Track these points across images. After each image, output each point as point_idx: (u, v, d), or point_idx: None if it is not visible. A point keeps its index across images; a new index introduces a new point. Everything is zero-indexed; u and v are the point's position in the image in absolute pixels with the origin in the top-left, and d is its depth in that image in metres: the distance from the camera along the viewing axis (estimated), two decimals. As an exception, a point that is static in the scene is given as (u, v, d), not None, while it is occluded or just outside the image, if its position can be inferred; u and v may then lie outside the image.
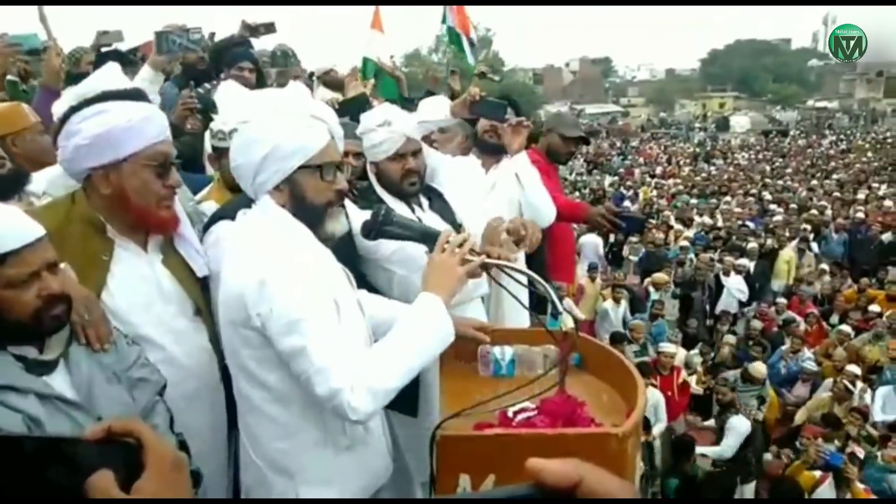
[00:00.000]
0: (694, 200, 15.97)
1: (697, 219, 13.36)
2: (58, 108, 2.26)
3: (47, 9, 3.22)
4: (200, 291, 1.97)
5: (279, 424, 1.64)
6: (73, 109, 1.76)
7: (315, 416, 1.63)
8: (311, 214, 1.65)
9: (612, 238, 11.04)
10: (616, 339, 7.37)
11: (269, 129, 1.60)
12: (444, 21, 6.89)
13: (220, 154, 2.57)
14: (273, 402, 1.63)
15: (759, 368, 6.69)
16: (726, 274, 9.46)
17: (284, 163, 1.60)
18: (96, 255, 1.76)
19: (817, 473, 5.02)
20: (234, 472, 2.06)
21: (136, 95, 1.86)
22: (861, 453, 5.33)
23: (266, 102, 1.73)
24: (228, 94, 1.75)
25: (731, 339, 7.91)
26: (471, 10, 7.02)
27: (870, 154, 25.70)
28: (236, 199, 2.21)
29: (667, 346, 6.96)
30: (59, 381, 1.41)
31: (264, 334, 1.54)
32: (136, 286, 1.81)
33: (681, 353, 7.26)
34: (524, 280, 1.84)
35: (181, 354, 1.85)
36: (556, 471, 0.51)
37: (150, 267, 1.86)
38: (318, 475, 1.67)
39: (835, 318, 8.99)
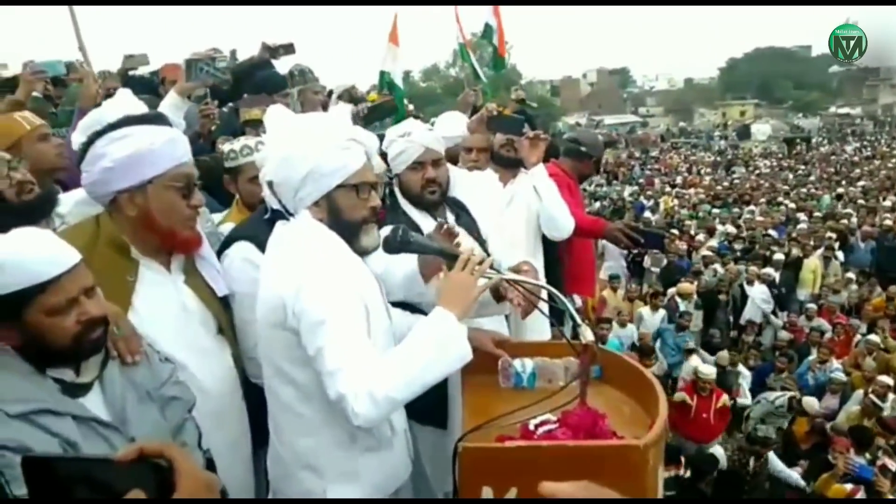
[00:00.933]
0: (716, 210, 15.81)
1: (720, 228, 13.22)
2: (75, 138, 2.32)
3: (85, 36, 3.32)
4: (222, 310, 2.02)
5: (306, 421, 1.72)
6: (98, 134, 1.81)
7: (340, 416, 1.68)
8: (346, 230, 1.75)
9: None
10: (645, 352, 7.30)
11: (312, 149, 1.70)
12: (483, 37, 6.98)
13: (236, 173, 2.62)
14: (301, 399, 1.71)
15: (811, 404, 6.48)
16: (750, 283, 9.34)
17: (324, 181, 1.71)
18: (122, 276, 1.80)
19: (848, 487, 4.91)
20: (257, 489, 2.09)
21: (159, 119, 1.92)
22: (893, 466, 5.21)
23: (310, 125, 1.81)
24: (276, 117, 1.84)
25: (724, 356, 7.60)
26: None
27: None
28: (249, 221, 2.26)
29: (705, 369, 6.60)
30: (94, 403, 1.44)
31: (299, 334, 1.62)
32: (161, 306, 1.85)
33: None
34: (544, 294, 1.86)
35: (205, 373, 1.89)
36: (566, 493, 0.53)
37: (173, 287, 1.90)
38: (344, 473, 1.73)
39: (863, 328, 8.82)
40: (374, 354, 1.62)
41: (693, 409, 6.28)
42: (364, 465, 1.75)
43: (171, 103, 2.76)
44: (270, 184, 1.77)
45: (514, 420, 1.62)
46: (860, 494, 4.86)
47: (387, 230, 1.85)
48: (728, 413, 6.38)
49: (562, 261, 3.54)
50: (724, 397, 6.36)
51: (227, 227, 2.48)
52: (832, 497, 4.82)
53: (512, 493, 1.46)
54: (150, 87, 3.90)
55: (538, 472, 1.50)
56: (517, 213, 3.12)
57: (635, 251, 11.12)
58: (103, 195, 1.84)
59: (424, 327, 1.64)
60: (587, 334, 1.67)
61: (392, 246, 1.82)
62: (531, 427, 1.62)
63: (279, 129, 1.80)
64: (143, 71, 4.90)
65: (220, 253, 2.15)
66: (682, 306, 8.66)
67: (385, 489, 1.83)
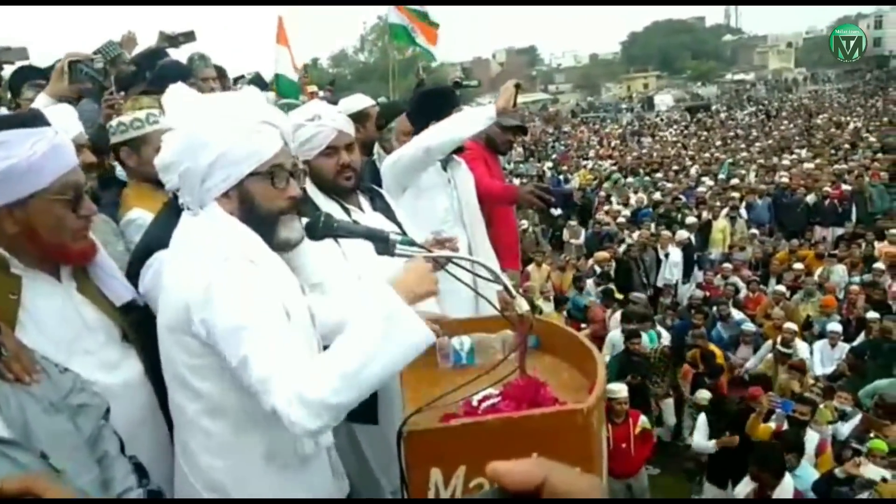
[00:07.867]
0: (630, 179, 16.39)
1: (633, 196, 13.71)
2: None
3: None
4: (122, 316, 1.83)
5: (215, 440, 1.55)
6: None
7: (255, 431, 1.54)
8: (261, 222, 1.59)
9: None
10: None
11: (218, 133, 1.52)
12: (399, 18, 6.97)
13: (140, 144, 2.39)
14: (208, 414, 1.54)
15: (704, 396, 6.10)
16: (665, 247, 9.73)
17: (234, 169, 1.53)
18: (1, 295, 1.57)
19: (772, 425, 5.21)
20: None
21: (36, 120, 1.65)
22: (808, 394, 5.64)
23: (217, 105, 1.62)
24: (177, 97, 1.64)
25: (640, 296, 7.83)
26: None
27: (787, 122, 26.93)
28: (161, 223, 1.98)
29: (615, 388, 5.26)
30: None
31: (205, 342, 1.46)
32: (55, 322, 1.65)
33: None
34: (483, 272, 1.81)
35: (117, 385, 1.72)
36: (519, 472, 0.49)
37: (67, 297, 1.71)
38: (257, 494, 1.57)
39: (772, 280, 9.40)
40: (306, 355, 1.47)
41: (610, 441, 4.87)
42: (282, 486, 1.59)
43: (42, 105, 2.53)
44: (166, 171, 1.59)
45: (457, 398, 1.60)
46: (785, 428, 5.15)
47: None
48: (650, 437, 5.42)
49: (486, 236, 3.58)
50: (643, 419, 5.34)
51: (135, 214, 2.29)
52: (761, 436, 5.04)
53: (461, 472, 1.45)
54: (45, 76, 3.55)
55: (486, 447, 1.50)
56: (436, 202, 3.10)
57: (553, 227, 11.45)
58: None
59: (364, 315, 1.46)
60: (522, 305, 1.66)
61: (316, 233, 1.74)
62: (474, 403, 1.61)
63: (180, 110, 1.60)
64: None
65: (140, 262, 1.95)
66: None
67: None
